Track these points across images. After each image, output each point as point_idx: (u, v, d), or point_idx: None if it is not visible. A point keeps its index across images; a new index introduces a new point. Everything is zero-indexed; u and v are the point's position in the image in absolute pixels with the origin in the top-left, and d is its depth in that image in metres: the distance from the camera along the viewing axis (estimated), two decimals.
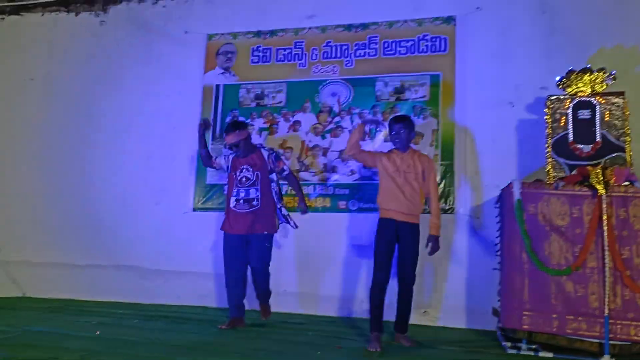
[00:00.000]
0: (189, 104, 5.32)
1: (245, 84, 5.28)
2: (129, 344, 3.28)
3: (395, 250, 3.60)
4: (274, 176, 4.10)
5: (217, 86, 5.33)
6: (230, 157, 4.14)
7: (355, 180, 4.81)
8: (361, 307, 4.39)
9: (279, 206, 4.11)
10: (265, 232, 4.02)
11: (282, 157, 4.31)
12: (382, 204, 3.64)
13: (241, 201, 4.02)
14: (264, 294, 4.14)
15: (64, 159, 5.62)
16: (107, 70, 5.69)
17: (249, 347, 3.36)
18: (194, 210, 5.15)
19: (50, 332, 3.56)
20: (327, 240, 4.78)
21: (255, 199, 4.00)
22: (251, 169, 4.04)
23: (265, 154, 4.12)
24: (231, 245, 4.03)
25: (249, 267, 4.07)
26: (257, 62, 5.29)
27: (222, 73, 5.36)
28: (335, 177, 4.89)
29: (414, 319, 4.32)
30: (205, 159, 4.26)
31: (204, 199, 5.14)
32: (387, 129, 3.85)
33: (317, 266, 4.75)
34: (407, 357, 3.35)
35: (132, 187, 5.37)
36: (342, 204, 4.82)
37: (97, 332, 3.58)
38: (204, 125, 4.22)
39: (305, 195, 4.86)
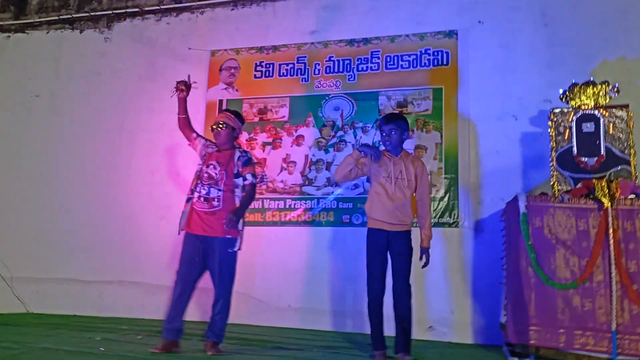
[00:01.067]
0: (193, 120, 5.21)
1: (248, 98, 5.31)
2: None
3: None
4: (240, 181, 3.67)
5: (220, 101, 5.35)
6: (209, 149, 3.77)
7: (358, 194, 4.80)
8: (366, 322, 4.36)
9: None
10: (229, 236, 3.57)
11: (254, 165, 3.81)
12: (371, 213, 3.41)
13: (202, 199, 3.62)
14: (220, 327, 3.57)
15: (68, 176, 5.64)
16: (111, 86, 5.73)
17: None
18: None
19: (55, 349, 3.53)
20: (331, 254, 4.76)
21: (216, 199, 3.60)
22: (218, 168, 3.65)
23: (236, 154, 3.71)
24: (187, 249, 3.62)
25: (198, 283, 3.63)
26: (260, 77, 5.31)
27: (225, 88, 5.39)
28: (338, 191, 4.88)
29: (420, 334, 4.31)
30: (184, 125, 3.84)
31: None
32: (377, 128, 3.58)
33: (320, 281, 4.72)
34: None
35: (137, 202, 5.39)
36: (345, 218, 4.81)
37: (102, 349, 3.56)
38: (181, 85, 3.82)
39: (308, 210, 4.86)
